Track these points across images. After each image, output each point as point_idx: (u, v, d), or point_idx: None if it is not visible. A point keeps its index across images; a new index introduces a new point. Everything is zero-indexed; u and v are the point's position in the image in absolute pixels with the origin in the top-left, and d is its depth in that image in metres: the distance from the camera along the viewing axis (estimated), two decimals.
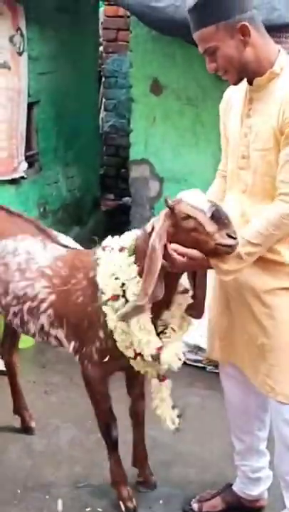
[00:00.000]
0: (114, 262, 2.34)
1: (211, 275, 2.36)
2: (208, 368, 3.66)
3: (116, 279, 2.31)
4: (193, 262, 2.12)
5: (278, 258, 2.13)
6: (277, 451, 2.34)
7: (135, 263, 2.30)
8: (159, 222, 2.16)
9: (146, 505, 2.69)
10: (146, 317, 2.27)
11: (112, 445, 2.62)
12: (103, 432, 2.62)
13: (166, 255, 2.12)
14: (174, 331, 2.37)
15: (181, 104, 4.21)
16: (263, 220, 2.04)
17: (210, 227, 2.04)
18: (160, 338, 2.33)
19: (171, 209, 2.13)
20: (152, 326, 2.29)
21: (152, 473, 2.80)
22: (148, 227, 2.23)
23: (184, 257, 2.10)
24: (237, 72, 2.07)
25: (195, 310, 2.34)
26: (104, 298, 2.34)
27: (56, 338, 2.57)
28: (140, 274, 2.26)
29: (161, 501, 2.72)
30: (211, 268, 2.12)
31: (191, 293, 2.34)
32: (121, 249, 2.37)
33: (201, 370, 3.66)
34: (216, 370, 3.33)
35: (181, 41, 3.81)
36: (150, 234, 2.19)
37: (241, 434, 2.53)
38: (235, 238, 2.03)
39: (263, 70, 2.06)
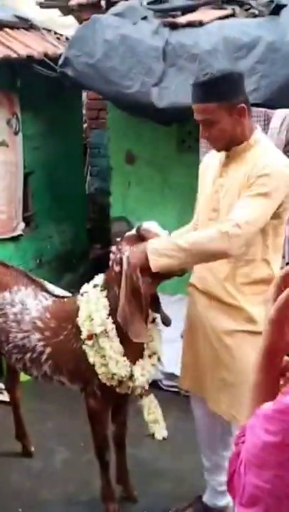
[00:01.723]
0: (90, 303, 2.30)
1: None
2: (182, 392, 3.59)
3: (91, 320, 2.27)
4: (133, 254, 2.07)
5: (236, 303, 2.10)
6: None
7: (106, 296, 2.27)
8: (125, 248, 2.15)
9: None
10: (116, 340, 2.23)
11: (104, 466, 2.55)
12: (98, 455, 2.53)
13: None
14: (154, 353, 2.35)
15: (151, 171, 4.23)
16: (203, 231, 2.03)
17: None
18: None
19: (141, 235, 2.15)
20: (122, 349, 2.25)
21: (134, 489, 2.72)
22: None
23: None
24: (225, 143, 2.05)
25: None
26: (82, 338, 2.30)
27: (59, 381, 2.49)
28: (109, 306, 2.24)
29: None
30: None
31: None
32: (94, 286, 2.34)
33: (176, 395, 3.59)
34: (188, 394, 3.29)
35: (148, 120, 3.86)
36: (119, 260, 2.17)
37: (209, 454, 2.47)
38: None
39: (240, 142, 2.05)
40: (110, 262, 2.26)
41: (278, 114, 3.29)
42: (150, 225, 2.20)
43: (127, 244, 2.17)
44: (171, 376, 3.64)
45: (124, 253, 2.15)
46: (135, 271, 2.07)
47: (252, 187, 1.97)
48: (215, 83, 1.94)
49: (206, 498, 2.55)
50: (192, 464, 2.87)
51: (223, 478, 2.48)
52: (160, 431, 2.39)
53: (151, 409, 2.38)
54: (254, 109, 3.34)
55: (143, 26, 3.70)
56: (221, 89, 1.94)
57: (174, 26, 3.62)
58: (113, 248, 2.26)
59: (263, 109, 3.34)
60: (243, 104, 1.97)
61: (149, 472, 2.92)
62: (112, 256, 2.26)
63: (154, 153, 4.18)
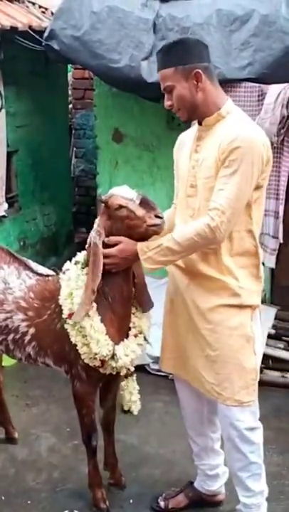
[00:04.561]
0: (71, 280, 2.22)
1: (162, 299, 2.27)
2: (170, 376, 3.50)
3: (72, 298, 2.18)
4: (122, 252, 2.05)
5: (219, 277, 2.05)
6: (226, 451, 2.24)
7: (87, 274, 2.17)
8: (96, 220, 2.12)
9: (117, 504, 2.51)
10: (97, 319, 2.15)
11: (92, 452, 2.45)
12: (85, 441, 2.43)
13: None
14: (140, 333, 2.27)
15: (139, 150, 4.12)
16: (192, 226, 1.99)
17: (140, 211, 2.04)
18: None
19: (105, 203, 2.09)
20: (104, 327, 2.16)
21: (122, 475, 2.63)
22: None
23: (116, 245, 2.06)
24: (187, 111, 2.02)
25: (141, 305, 2.28)
26: (63, 317, 2.21)
27: (44, 363, 2.39)
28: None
29: (131, 500, 2.55)
30: (138, 259, 2.04)
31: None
32: (75, 263, 2.25)
33: (164, 379, 3.49)
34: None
35: (137, 96, 3.74)
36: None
37: (196, 437, 2.40)
38: (162, 218, 2.04)
39: (210, 113, 2.01)
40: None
41: (273, 90, 3.20)
42: (119, 190, 2.12)
43: (99, 217, 2.12)
44: (159, 360, 3.55)
45: (94, 227, 2.11)
46: (96, 249, 2.06)
47: (226, 163, 1.93)
48: (170, 49, 1.98)
49: (197, 483, 2.47)
50: (182, 449, 2.79)
51: (213, 461, 2.41)
52: (137, 408, 2.37)
53: (133, 390, 2.35)
54: (248, 84, 3.29)
55: None
56: (175, 55, 1.96)
57: None
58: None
59: (257, 84, 3.25)
60: (198, 70, 1.96)
61: (138, 458, 2.83)
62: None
63: (142, 131, 4.06)
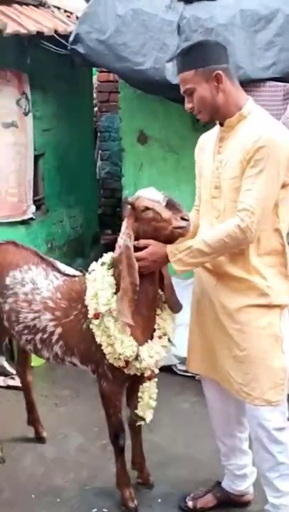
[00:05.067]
0: (97, 281, 2.24)
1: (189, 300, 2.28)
2: (197, 376, 3.50)
3: (97, 298, 2.21)
4: (153, 255, 2.07)
5: (246, 277, 2.04)
6: (255, 451, 2.23)
7: (112, 275, 2.20)
8: (124, 222, 2.13)
9: (146, 504, 2.52)
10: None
11: (119, 451, 2.47)
12: (112, 440, 2.46)
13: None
14: (164, 335, 2.28)
15: (164, 152, 4.13)
16: (222, 228, 1.98)
17: (166, 213, 2.05)
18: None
19: (132, 205, 2.10)
20: (128, 330, 2.17)
21: (150, 474, 2.64)
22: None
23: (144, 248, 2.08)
24: (209, 112, 2.03)
25: (171, 307, 2.30)
26: (89, 317, 2.23)
27: (71, 362, 2.42)
28: (116, 285, 2.17)
29: (159, 500, 2.56)
30: (168, 261, 2.05)
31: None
32: (102, 264, 2.28)
33: (191, 379, 3.50)
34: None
35: (162, 98, 3.75)
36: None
37: (224, 437, 2.40)
38: (187, 220, 2.04)
39: (231, 114, 2.02)
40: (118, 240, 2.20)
41: None
42: (145, 192, 2.13)
43: (126, 220, 2.13)
44: (185, 361, 3.55)
45: (122, 229, 2.13)
46: (128, 252, 2.07)
47: (251, 163, 1.93)
48: (189, 52, 2.00)
49: (225, 484, 2.47)
50: (210, 449, 2.78)
51: (241, 461, 2.40)
52: (150, 415, 2.35)
53: (153, 394, 2.33)
54: (273, 83, 3.27)
55: (156, 0, 3.57)
56: (195, 57, 1.98)
57: (188, 0, 3.49)
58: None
59: (282, 84, 3.23)
60: (219, 71, 1.97)
61: (166, 457, 2.83)
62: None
63: (167, 133, 4.06)
